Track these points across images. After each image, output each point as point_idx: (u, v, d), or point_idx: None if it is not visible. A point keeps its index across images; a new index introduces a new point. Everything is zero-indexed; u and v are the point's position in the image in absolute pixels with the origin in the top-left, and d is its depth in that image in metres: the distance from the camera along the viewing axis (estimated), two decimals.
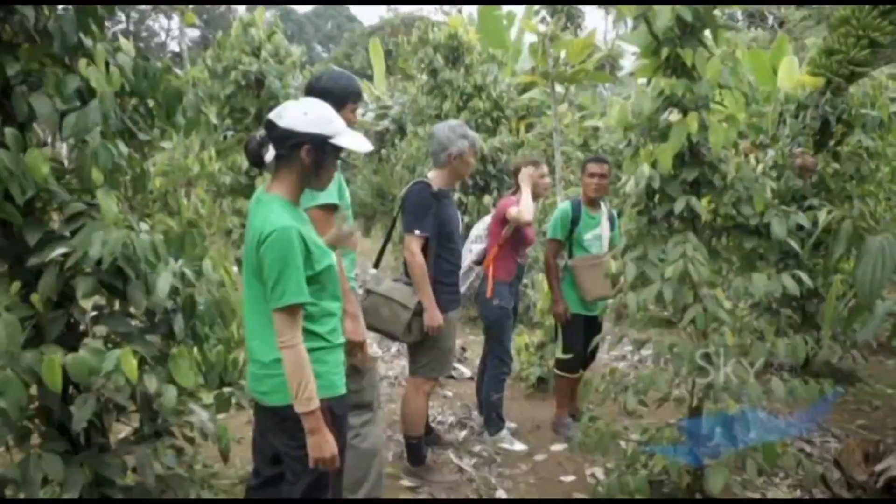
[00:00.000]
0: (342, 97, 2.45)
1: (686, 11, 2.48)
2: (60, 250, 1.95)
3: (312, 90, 2.46)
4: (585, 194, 3.83)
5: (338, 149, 1.89)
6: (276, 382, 1.86)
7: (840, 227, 1.51)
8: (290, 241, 1.78)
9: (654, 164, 2.65)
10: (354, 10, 44.32)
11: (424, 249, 3.05)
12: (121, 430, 2.76)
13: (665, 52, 2.58)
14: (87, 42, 2.14)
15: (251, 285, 1.90)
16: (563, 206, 3.89)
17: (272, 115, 1.86)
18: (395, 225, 3.38)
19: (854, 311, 1.22)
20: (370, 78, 14.69)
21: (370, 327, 3.05)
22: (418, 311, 3.00)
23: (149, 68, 2.32)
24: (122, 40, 2.33)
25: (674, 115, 2.59)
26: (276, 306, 1.77)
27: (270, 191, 1.91)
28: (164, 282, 2.02)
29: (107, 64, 2.14)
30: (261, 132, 1.90)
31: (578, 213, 3.81)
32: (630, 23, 2.70)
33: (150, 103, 2.43)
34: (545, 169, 3.72)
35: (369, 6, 42.83)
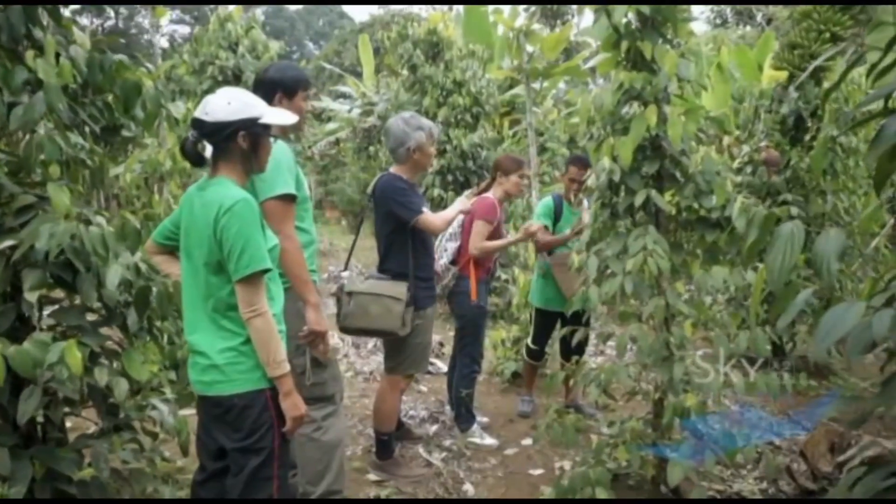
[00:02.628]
0: (292, 86, 2.49)
1: (644, 6, 2.48)
2: (7, 243, 1.94)
3: (263, 82, 2.47)
4: (567, 194, 3.88)
5: (267, 127, 1.96)
6: (218, 373, 1.88)
7: (753, 215, 1.51)
8: (254, 210, 1.87)
9: (615, 158, 2.65)
10: (346, 7, 44.19)
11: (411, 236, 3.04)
12: (89, 426, 2.75)
13: (625, 45, 2.59)
14: (38, 34, 2.12)
15: (195, 275, 1.90)
16: (546, 200, 3.97)
17: (197, 114, 1.92)
18: (363, 223, 3.38)
19: (775, 300, 1.23)
20: (359, 75, 14.67)
21: (361, 331, 3.02)
22: (408, 302, 2.96)
23: (104, 61, 2.31)
24: (77, 32, 2.32)
25: (634, 108, 2.60)
26: (243, 275, 1.81)
27: (216, 177, 1.94)
28: (113, 275, 2.02)
29: (59, 56, 2.13)
30: (191, 132, 1.92)
31: (560, 209, 3.88)
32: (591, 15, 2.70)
33: (109, 97, 2.42)
34: (527, 170, 3.74)
35: (361, 5, 42.64)
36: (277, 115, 1.99)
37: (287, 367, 1.89)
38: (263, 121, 1.93)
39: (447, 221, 3.14)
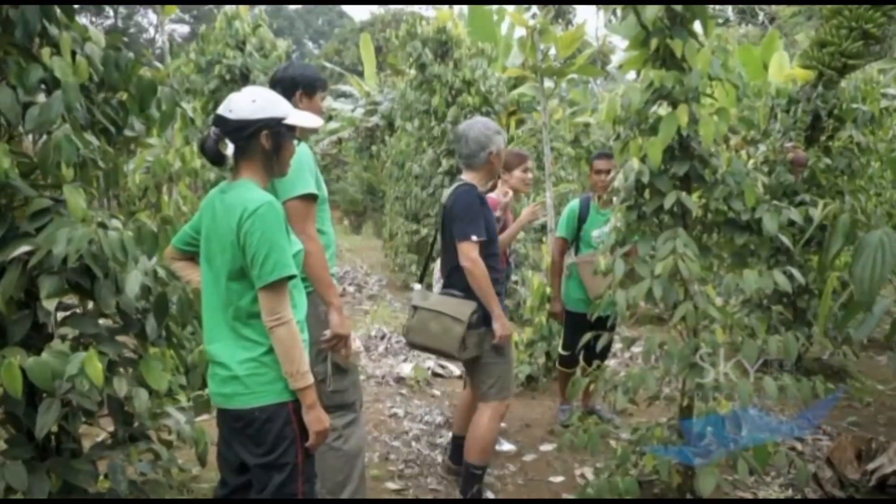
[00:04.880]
0: (313, 85, 2.45)
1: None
2: (24, 248, 1.86)
3: (282, 80, 2.41)
4: (595, 191, 3.81)
5: (292, 129, 1.90)
6: (239, 384, 1.80)
7: (837, 221, 1.44)
8: (279, 214, 1.80)
9: (643, 159, 2.58)
10: (345, 6, 44.05)
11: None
12: (99, 434, 2.67)
13: (654, 42, 2.52)
14: (53, 31, 2.05)
15: (216, 282, 1.83)
16: (572, 204, 3.89)
17: (221, 111, 1.85)
18: (438, 233, 3.10)
19: (850, 308, 1.17)
20: (360, 74, 14.60)
21: (420, 347, 2.88)
22: (472, 324, 2.72)
23: (120, 59, 2.23)
24: (92, 29, 2.24)
25: (663, 108, 2.53)
26: (267, 281, 1.74)
27: (238, 179, 1.87)
28: (133, 281, 1.94)
29: (74, 54, 2.06)
30: (213, 129, 1.85)
31: (586, 212, 3.81)
32: (619, 13, 2.63)
33: (124, 96, 2.35)
34: (530, 164, 3.64)
35: (361, 5, 42.57)
36: (303, 117, 1.92)
37: (311, 379, 1.82)
38: (288, 122, 1.86)
39: (483, 271, 2.76)
